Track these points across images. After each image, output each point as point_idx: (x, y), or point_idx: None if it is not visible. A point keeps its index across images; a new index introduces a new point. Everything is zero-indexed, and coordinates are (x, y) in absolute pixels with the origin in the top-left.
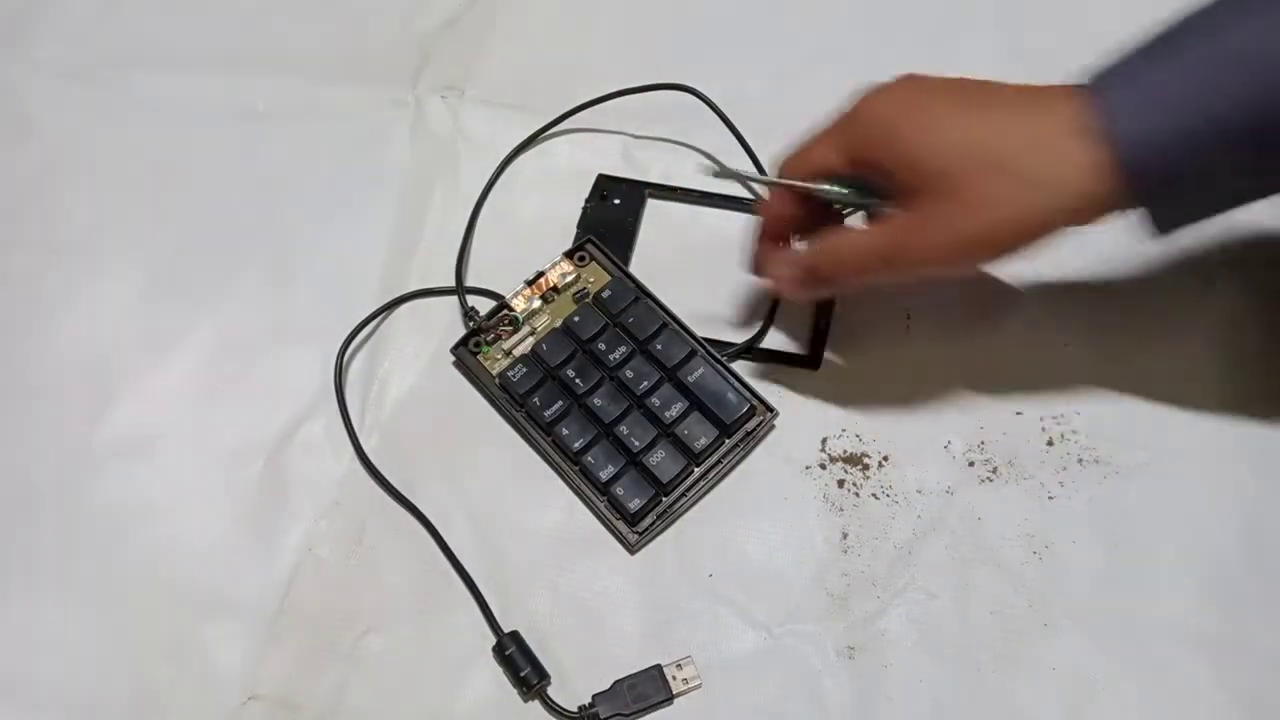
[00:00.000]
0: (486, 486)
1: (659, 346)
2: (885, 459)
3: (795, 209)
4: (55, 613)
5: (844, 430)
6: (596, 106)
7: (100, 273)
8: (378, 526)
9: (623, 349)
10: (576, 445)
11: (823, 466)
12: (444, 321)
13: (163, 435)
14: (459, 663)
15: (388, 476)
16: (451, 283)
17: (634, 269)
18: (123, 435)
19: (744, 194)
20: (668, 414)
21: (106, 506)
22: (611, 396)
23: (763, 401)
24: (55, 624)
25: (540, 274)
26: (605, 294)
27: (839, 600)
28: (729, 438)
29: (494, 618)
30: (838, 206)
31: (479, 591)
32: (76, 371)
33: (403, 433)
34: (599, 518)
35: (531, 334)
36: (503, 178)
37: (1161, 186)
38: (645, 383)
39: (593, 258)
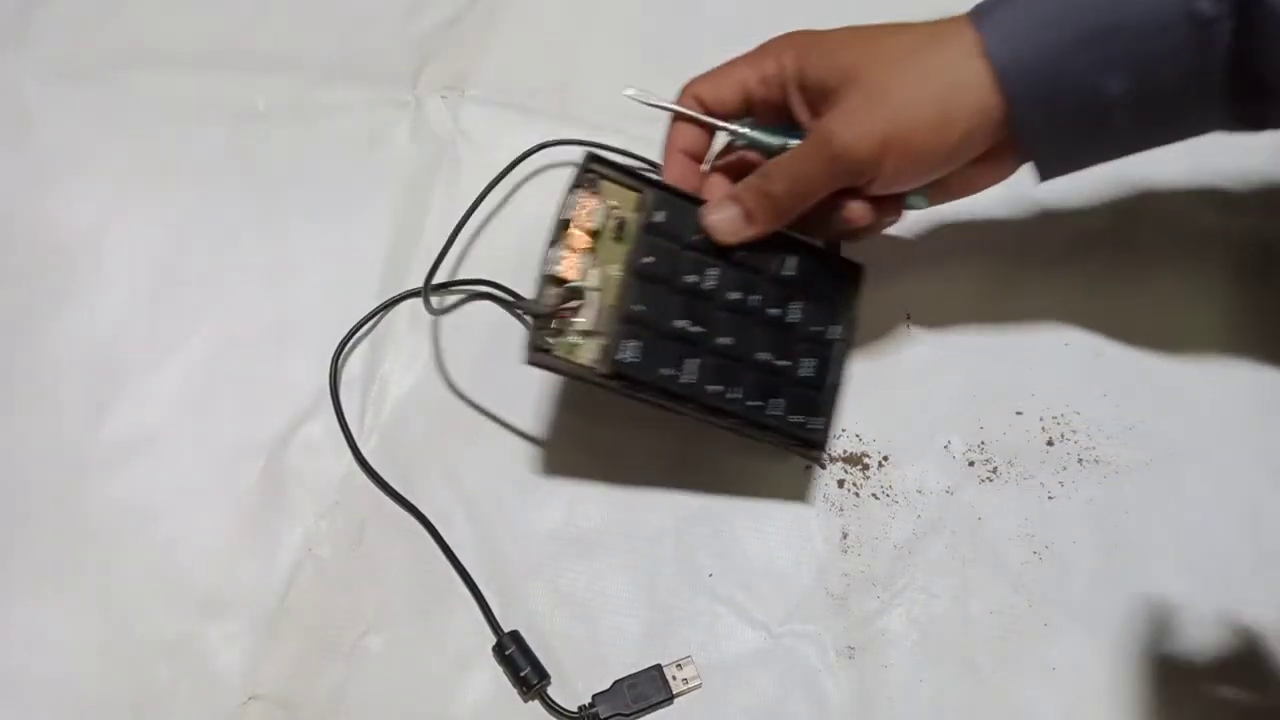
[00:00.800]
0: (486, 486)
1: (744, 253)
2: (885, 459)
3: (706, 139)
4: (55, 613)
5: (844, 430)
6: (596, 105)
7: (100, 273)
8: (378, 526)
9: (713, 270)
10: (731, 396)
11: (823, 466)
12: (445, 322)
13: (163, 435)
14: (459, 663)
15: (388, 477)
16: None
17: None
18: (123, 435)
19: None
20: (791, 317)
21: (106, 506)
22: (733, 326)
23: (845, 260)
24: (55, 624)
25: (565, 225)
26: (657, 217)
27: (839, 600)
28: (850, 305)
29: (494, 617)
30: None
31: (479, 591)
32: (76, 371)
33: (403, 433)
34: (777, 443)
35: (599, 297)
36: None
37: (1035, 110)
38: (755, 295)
39: (603, 177)
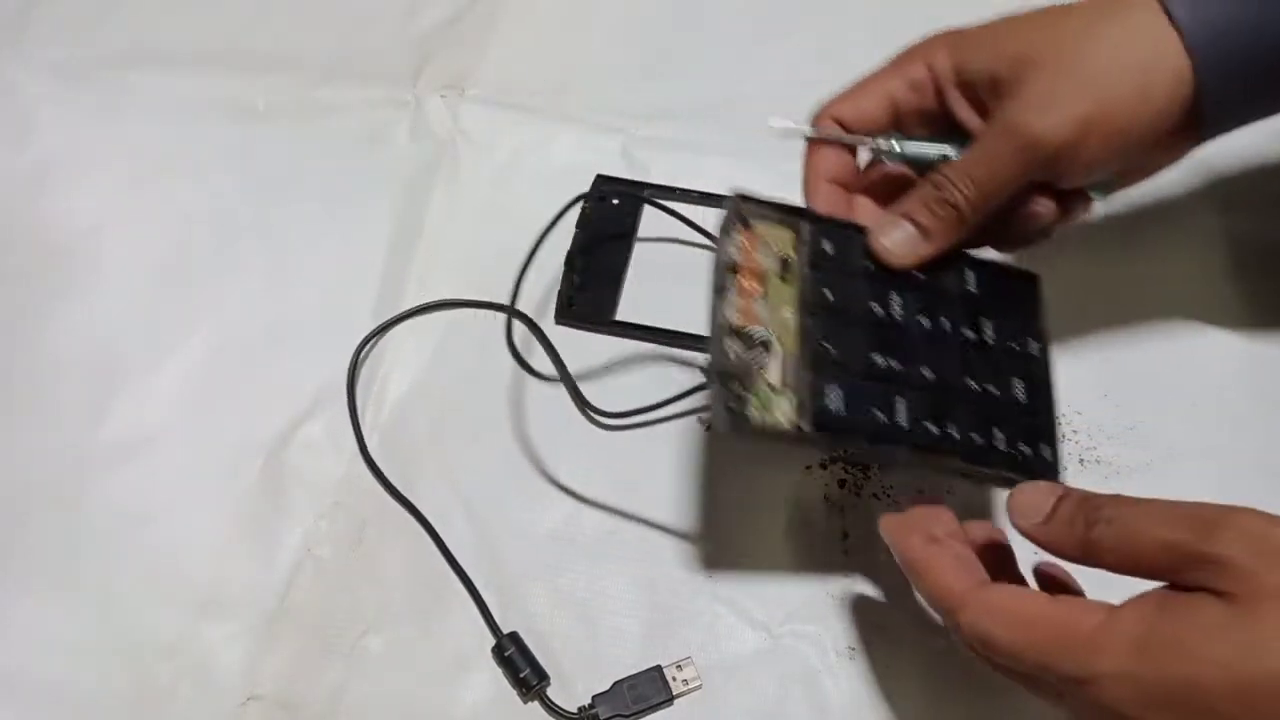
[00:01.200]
0: (486, 487)
1: (922, 275)
2: None
3: (853, 163)
4: (54, 613)
5: None
6: (596, 105)
7: (100, 273)
8: (377, 527)
9: (896, 296)
10: (950, 433)
11: (823, 466)
12: (445, 322)
13: (162, 435)
14: (459, 663)
15: (387, 477)
16: (455, 287)
17: (632, 270)
18: (122, 435)
19: None
20: (988, 336)
21: (106, 506)
22: (932, 354)
23: (1019, 270)
24: (54, 624)
25: (732, 269)
26: (824, 246)
27: (839, 600)
28: (1039, 316)
29: (493, 618)
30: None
31: (478, 592)
32: (76, 371)
33: (402, 433)
34: (998, 481)
35: (781, 346)
36: (502, 178)
37: (1224, 75)
38: (943, 316)
39: (756, 216)
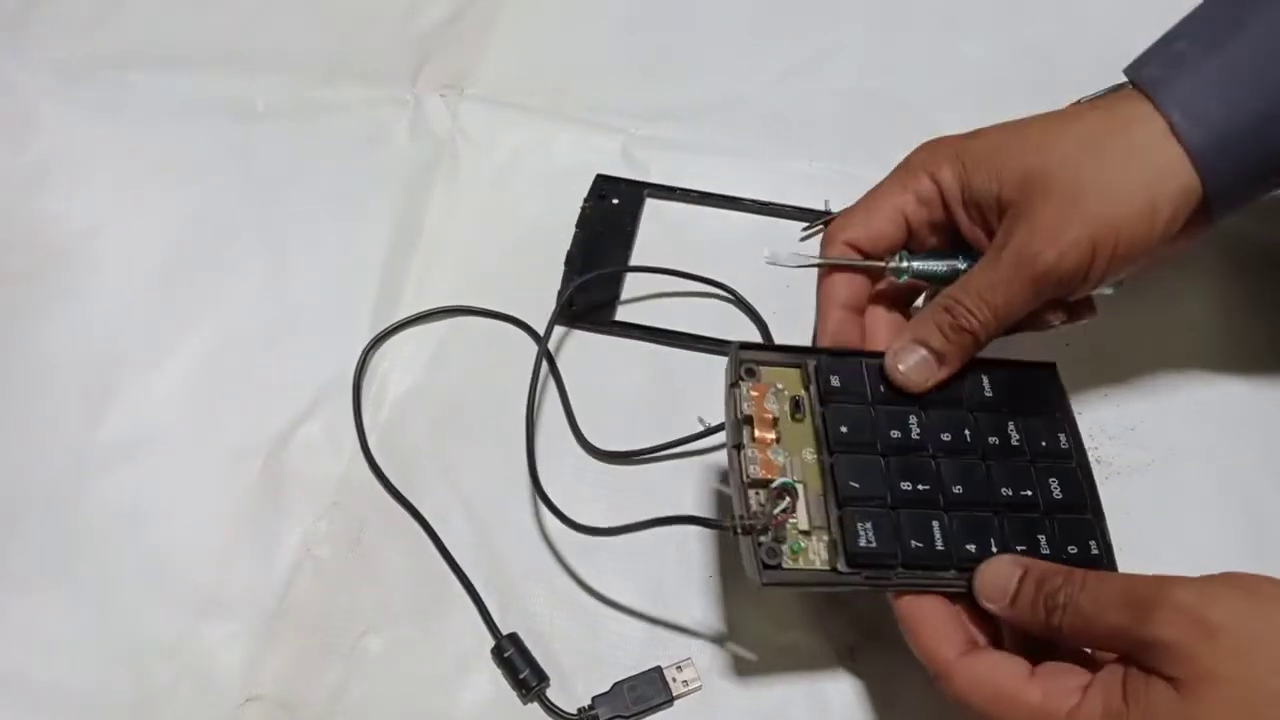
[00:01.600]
0: (486, 487)
1: (933, 390)
2: None
3: (867, 286)
4: (55, 613)
5: None
6: (596, 105)
7: (100, 273)
8: (377, 527)
9: (913, 418)
10: (975, 550)
11: None
12: (445, 322)
13: (162, 435)
14: (458, 664)
15: (388, 476)
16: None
17: (632, 272)
18: (122, 435)
19: (743, 195)
20: (1014, 439)
21: (106, 506)
22: (959, 470)
23: (1034, 363)
24: (55, 624)
25: (748, 421)
26: (833, 381)
27: (839, 600)
28: (1062, 407)
29: (492, 619)
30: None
31: (477, 593)
32: (76, 371)
33: (402, 433)
34: None
35: (805, 487)
36: (502, 177)
37: (1230, 181)
38: (966, 430)
39: (760, 362)
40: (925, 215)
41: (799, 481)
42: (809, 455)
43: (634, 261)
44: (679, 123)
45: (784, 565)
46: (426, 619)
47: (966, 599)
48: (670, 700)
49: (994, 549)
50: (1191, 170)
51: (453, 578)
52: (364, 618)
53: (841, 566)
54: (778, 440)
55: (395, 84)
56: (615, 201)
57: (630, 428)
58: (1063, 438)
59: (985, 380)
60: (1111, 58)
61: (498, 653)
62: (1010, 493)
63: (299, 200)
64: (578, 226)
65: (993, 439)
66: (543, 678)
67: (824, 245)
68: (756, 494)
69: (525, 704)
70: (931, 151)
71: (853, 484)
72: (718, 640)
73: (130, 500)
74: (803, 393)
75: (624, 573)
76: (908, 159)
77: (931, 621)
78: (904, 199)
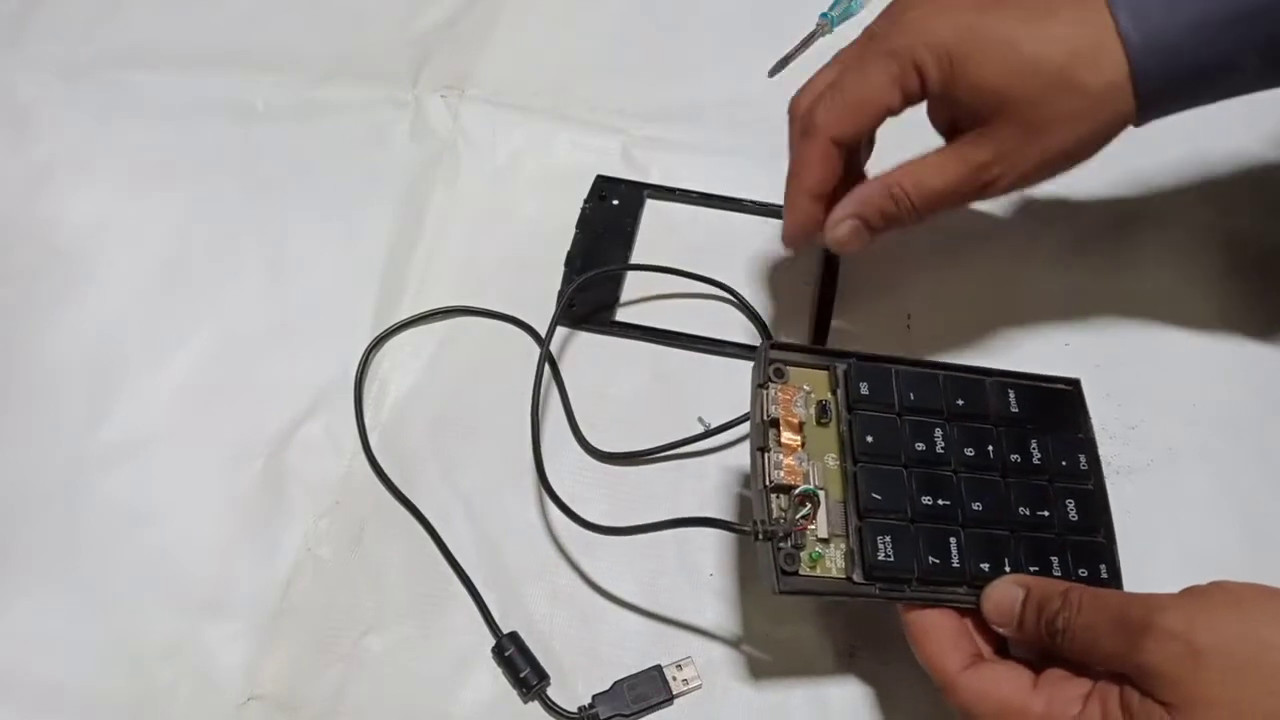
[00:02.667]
0: (486, 487)
1: (961, 403)
2: None
3: (837, 165)
4: (55, 613)
5: None
6: (596, 105)
7: (100, 273)
8: (377, 527)
9: (938, 431)
10: (989, 569)
11: None
12: (445, 322)
13: (162, 435)
14: (459, 663)
15: (389, 476)
16: (456, 287)
17: (632, 272)
18: (123, 435)
19: (744, 196)
20: (1035, 458)
21: (106, 506)
22: (979, 487)
23: (1059, 379)
24: (55, 624)
25: (774, 424)
26: (861, 389)
27: (839, 600)
28: (1084, 427)
29: (493, 618)
30: None
31: (478, 592)
32: (77, 371)
33: (403, 433)
34: None
35: (826, 494)
36: (502, 177)
37: (1164, 88)
38: (988, 444)
39: (789, 363)
40: (903, 106)
41: (821, 488)
42: (831, 461)
43: (634, 262)
44: (679, 123)
45: (801, 573)
46: (427, 618)
47: (975, 613)
48: (670, 699)
49: (1007, 568)
50: (1129, 79)
51: (453, 577)
52: (365, 617)
53: (857, 577)
54: (802, 445)
55: (396, 84)
56: (615, 202)
57: (630, 428)
58: (1082, 459)
59: (1012, 396)
60: None
61: (498, 651)
62: (1027, 512)
63: (300, 200)
64: (578, 227)
65: (1014, 456)
66: (543, 676)
67: (804, 135)
68: (778, 499)
69: (526, 703)
70: (918, 37)
71: (875, 495)
72: (718, 639)
73: (131, 500)
74: (829, 396)
75: (624, 572)
76: (895, 43)
77: (937, 633)
78: (893, 96)
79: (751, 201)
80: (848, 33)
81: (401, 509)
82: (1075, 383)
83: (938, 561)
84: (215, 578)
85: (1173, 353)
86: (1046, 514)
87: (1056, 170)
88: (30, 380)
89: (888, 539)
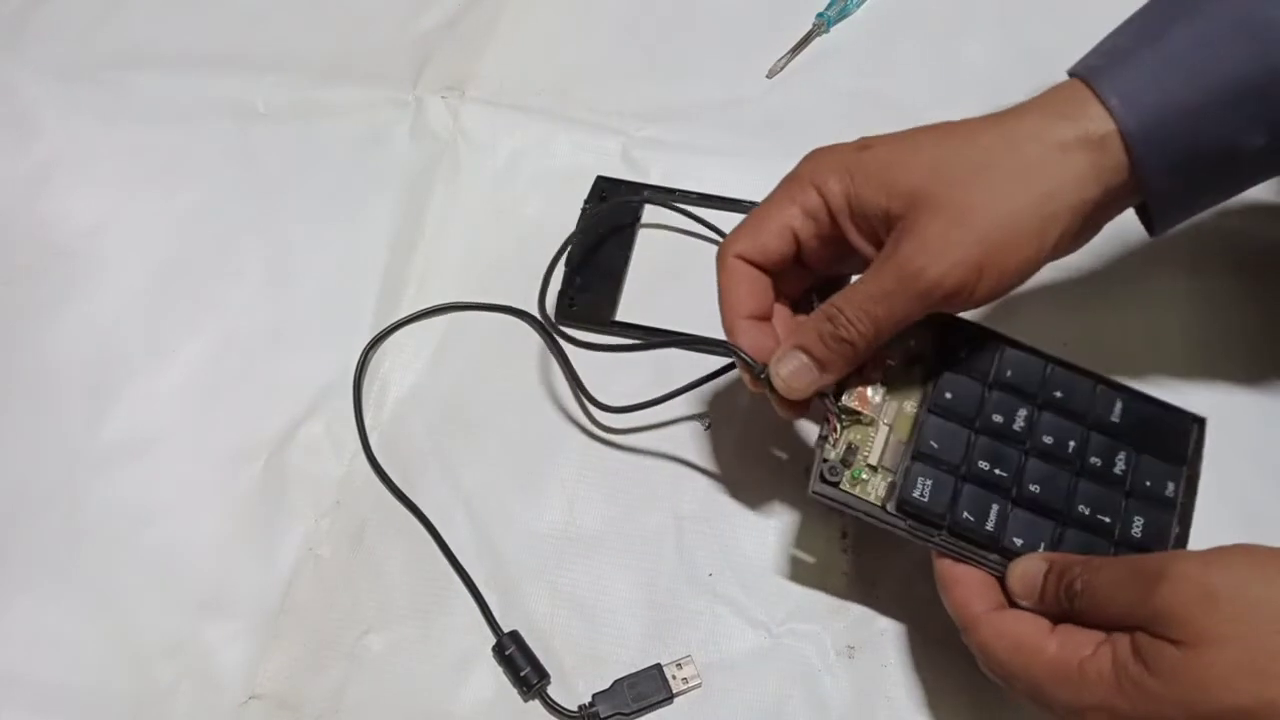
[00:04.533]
0: (487, 486)
1: (1060, 395)
2: None
3: (769, 293)
4: (55, 613)
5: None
6: (596, 105)
7: (100, 273)
8: (378, 526)
9: (1022, 411)
10: (1019, 541)
11: None
12: (445, 322)
13: (163, 435)
14: (459, 662)
15: (389, 475)
16: (456, 288)
17: (632, 272)
18: (123, 435)
19: (745, 197)
20: (1118, 469)
21: (107, 506)
22: (1044, 473)
23: (1184, 411)
24: (55, 624)
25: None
26: (961, 353)
27: (839, 600)
28: (1188, 463)
29: (493, 617)
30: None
31: (478, 591)
32: (76, 372)
33: (403, 432)
34: None
35: (888, 432)
36: (502, 178)
37: (1168, 165)
38: (1072, 442)
39: None
40: (813, 228)
41: (888, 424)
42: (910, 406)
43: (634, 263)
44: (679, 124)
45: (841, 485)
46: (427, 617)
47: (1002, 581)
48: (670, 698)
49: (1042, 549)
50: (1093, 180)
51: (454, 576)
52: (365, 616)
53: (890, 508)
54: (883, 381)
55: (396, 85)
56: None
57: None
58: (1171, 486)
59: (1119, 406)
60: None
61: (499, 650)
62: (1088, 512)
63: (300, 201)
64: (578, 227)
65: (1095, 460)
66: (544, 675)
67: (717, 261)
68: (845, 419)
69: (526, 701)
70: (819, 163)
71: (933, 444)
72: (717, 638)
73: (132, 500)
74: (929, 352)
75: (624, 571)
76: (795, 170)
77: (968, 580)
78: (790, 213)
79: (751, 202)
80: (846, 32)
81: (402, 509)
82: (1201, 420)
83: (972, 519)
84: (216, 577)
85: (1171, 352)
86: (1108, 520)
87: (1003, 261)
88: (31, 380)
89: (929, 482)
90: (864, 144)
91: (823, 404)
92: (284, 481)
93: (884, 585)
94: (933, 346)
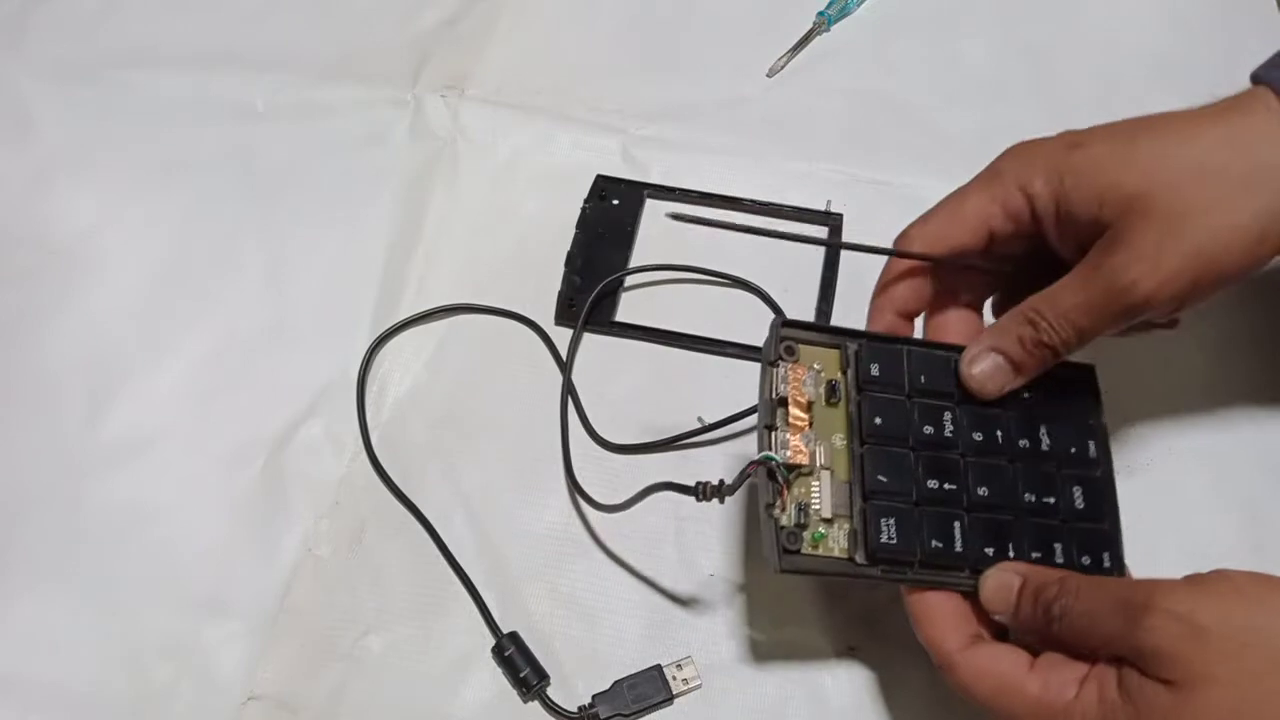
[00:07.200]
0: (486, 487)
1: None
2: None
3: (925, 289)
4: (55, 612)
5: None
6: (596, 105)
7: (100, 273)
8: (377, 527)
9: (948, 414)
10: (993, 555)
11: None
12: (445, 322)
13: (162, 435)
14: (459, 663)
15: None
16: (456, 287)
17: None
18: (122, 435)
19: (745, 196)
20: (1044, 444)
21: (106, 506)
22: (986, 472)
23: (1074, 364)
24: (55, 624)
25: (782, 403)
26: (872, 370)
27: (839, 600)
28: (1095, 413)
29: (493, 618)
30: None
31: (478, 592)
32: (77, 371)
33: (403, 433)
34: None
35: (830, 474)
36: (502, 177)
37: None
38: (999, 431)
39: (800, 340)
40: (1011, 229)
41: (828, 468)
42: (839, 441)
43: (634, 263)
44: (679, 123)
45: (804, 552)
46: (427, 618)
47: (976, 598)
48: (670, 698)
49: (1010, 554)
50: None
51: (453, 577)
52: (365, 617)
53: (860, 559)
54: (810, 424)
55: (396, 84)
56: (615, 202)
57: (630, 427)
58: (1092, 445)
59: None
60: (1110, 59)
61: (498, 651)
62: (1033, 499)
63: (299, 200)
64: (578, 227)
65: (1023, 441)
66: (543, 676)
67: (896, 242)
68: (770, 479)
69: (526, 702)
70: (1026, 161)
71: (880, 478)
72: (718, 639)
73: (131, 500)
74: (839, 376)
75: (624, 571)
76: (997, 165)
77: (939, 614)
78: (991, 211)
79: (751, 200)
80: (846, 31)
81: (402, 509)
82: (1089, 368)
83: (940, 546)
84: (215, 578)
85: (1171, 352)
86: (1052, 500)
87: (1218, 274)
88: (30, 380)
89: (892, 521)
90: (1073, 140)
91: (754, 469)
92: (283, 482)
93: (883, 585)
94: (843, 369)
